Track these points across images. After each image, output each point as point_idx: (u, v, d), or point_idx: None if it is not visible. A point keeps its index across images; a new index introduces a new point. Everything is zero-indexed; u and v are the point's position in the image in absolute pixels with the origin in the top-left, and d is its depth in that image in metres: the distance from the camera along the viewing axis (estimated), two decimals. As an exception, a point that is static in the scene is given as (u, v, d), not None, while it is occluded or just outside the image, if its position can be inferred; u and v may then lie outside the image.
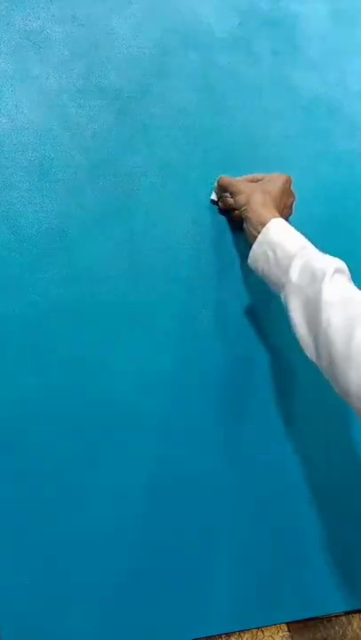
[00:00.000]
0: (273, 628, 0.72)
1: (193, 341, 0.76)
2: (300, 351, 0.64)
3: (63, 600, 0.66)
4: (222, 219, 0.80)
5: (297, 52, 0.87)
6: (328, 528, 0.77)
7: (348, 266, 0.84)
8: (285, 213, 0.73)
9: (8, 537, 0.66)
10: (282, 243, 0.64)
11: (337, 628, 0.74)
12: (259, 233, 0.67)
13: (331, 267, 0.60)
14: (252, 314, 0.80)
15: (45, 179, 0.73)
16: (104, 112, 0.76)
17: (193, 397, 0.75)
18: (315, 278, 0.60)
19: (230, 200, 0.75)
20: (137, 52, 0.78)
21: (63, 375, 0.70)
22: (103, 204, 0.75)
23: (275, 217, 0.67)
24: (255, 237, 0.67)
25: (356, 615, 0.75)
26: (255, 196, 0.70)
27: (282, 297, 0.64)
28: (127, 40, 0.78)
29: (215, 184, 0.78)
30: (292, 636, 0.72)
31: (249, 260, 0.68)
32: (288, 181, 0.73)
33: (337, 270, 0.60)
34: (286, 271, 0.63)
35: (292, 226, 0.82)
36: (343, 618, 0.75)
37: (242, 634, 0.71)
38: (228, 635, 0.71)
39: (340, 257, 0.83)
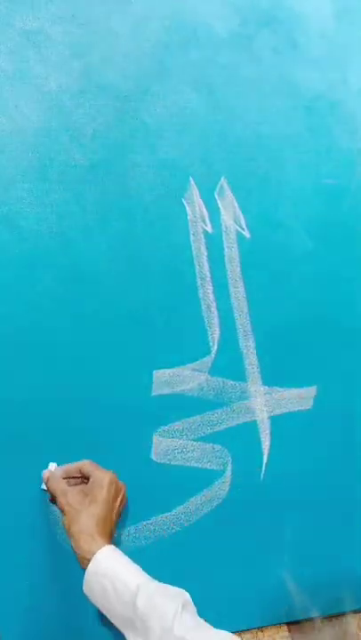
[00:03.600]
0: (273, 628, 0.72)
1: (195, 340, 0.77)
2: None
3: (63, 599, 0.66)
4: (219, 232, 0.80)
5: (298, 50, 0.86)
6: (327, 529, 0.77)
7: (348, 267, 0.85)
8: (116, 516, 0.67)
9: (8, 537, 0.66)
10: (119, 574, 0.59)
11: (337, 628, 0.74)
12: (86, 566, 0.61)
13: (179, 602, 0.58)
14: (253, 299, 0.80)
15: (45, 179, 0.73)
16: (104, 112, 0.76)
17: (194, 395, 0.75)
18: (165, 617, 0.56)
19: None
20: (137, 51, 0.78)
21: (62, 375, 0.70)
22: (103, 204, 0.75)
23: (100, 547, 0.61)
24: (85, 565, 0.61)
25: (357, 615, 0.75)
26: (78, 525, 0.62)
27: (130, 635, 0.59)
28: (127, 40, 0.77)
29: (44, 474, 0.69)
30: (292, 636, 0.72)
31: (84, 589, 0.61)
32: (112, 484, 0.66)
33: (184, 605, 0.58)
34: (132, 606, 0.58)
35: (294, 226, 0.83)
36: (343, 618, 0.75)
37: (242, 634, 0.71)
38: (228, 635, 0.71)
39: (340, 256, 0.84)
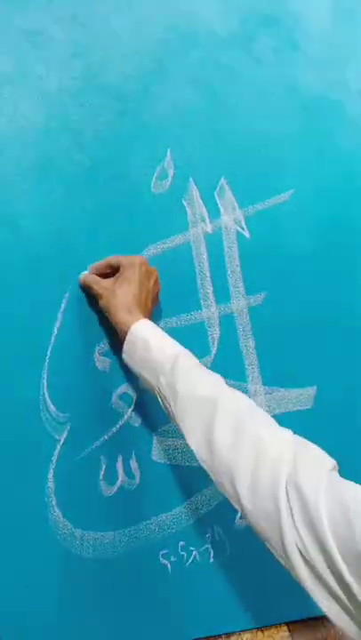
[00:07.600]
0: (273, 628, 0.72)
1: (195, 340, 0.77)
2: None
3: (63, 599, 0.67)
4: (219, 232, 0.80)
5: (298, 50, 0.86)
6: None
7: (348, 267, 0.85)
8: (153, 299, 0.71)
9: (8, 538, 0.66)
10: (158, 340, 0.65)
11: (337, 627, 0.74)
12: (125, 337, 0.66)
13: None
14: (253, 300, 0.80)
15: (45, 179, 0.73)
16: (104, 112, 0.76)
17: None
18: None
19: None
20: (137, 51, 0.78)
21: (63, 375, 0.70)
22: (103, 204, 0.75)
23: (138, 318, 0.66)
24: (124, 336, 0.66)
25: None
26: (114, 300, 0.67)
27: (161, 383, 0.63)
28: (127, 40, 0.77)
29: (81, 277, 0.73)
30: (292, 636, 0.72)
31: (123, 357, 0.67)
32: (142, 265, 0.70)
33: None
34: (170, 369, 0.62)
35: (294, 226, 0.83)
36: (343, 618, 0.75)
37: (242, 634, 0.71)
38: (228, 635, 0.71)
39: (340, 256, 0.84)
